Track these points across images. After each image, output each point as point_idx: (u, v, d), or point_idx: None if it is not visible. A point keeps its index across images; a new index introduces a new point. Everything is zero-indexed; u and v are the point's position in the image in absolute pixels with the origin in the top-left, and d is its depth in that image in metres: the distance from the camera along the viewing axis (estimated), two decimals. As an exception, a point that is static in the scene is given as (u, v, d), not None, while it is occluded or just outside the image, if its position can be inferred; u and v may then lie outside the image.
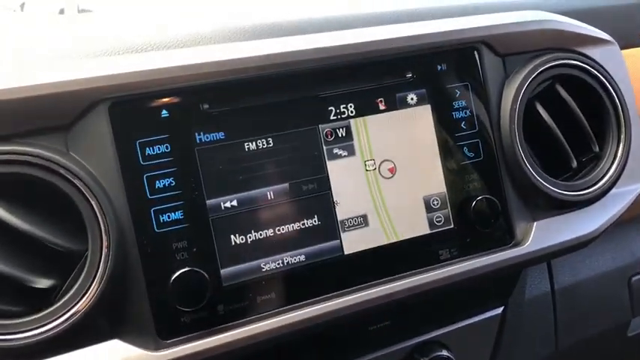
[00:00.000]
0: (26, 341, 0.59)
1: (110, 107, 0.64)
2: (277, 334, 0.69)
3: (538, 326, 0.95)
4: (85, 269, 0.62)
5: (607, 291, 1.00)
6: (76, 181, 0.62)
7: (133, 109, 0.65)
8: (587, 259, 0.99)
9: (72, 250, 0.63)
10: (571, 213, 0.83)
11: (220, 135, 0.68)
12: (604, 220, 0.84)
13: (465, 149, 0.78)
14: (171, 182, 0.66)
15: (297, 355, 0.78)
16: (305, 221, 0.71)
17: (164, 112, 0.66)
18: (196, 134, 0.67)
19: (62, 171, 0.61)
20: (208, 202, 0.67)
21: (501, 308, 0.91)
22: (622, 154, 0.84)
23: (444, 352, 0.85)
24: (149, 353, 0.63)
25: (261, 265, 0.69)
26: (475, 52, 0.79)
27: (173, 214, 0.66)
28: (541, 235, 0.80)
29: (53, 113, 0.62)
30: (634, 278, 1.05)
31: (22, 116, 0.61)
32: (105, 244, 0.62)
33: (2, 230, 0.60)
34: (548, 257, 0.83)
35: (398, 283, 0.73)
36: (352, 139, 0.73)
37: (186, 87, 0.66)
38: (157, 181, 0.65)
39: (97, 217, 0.62)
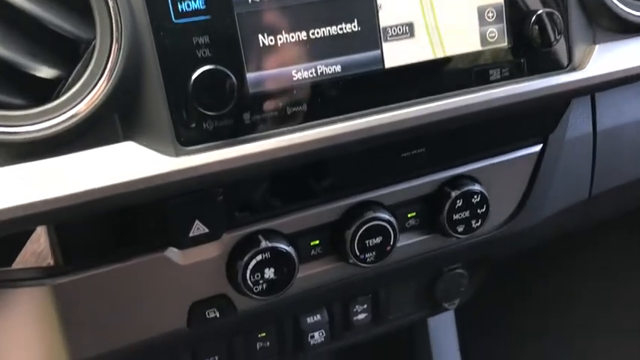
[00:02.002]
0: (30, 135, 0.53)
1: None
2: (306, 149, 0.62)
3: (575, 169, 0.89)
4: (93, 60, 0.54)
5: (651, 136, 0.94)
6: (79, -49, 0.52)
7: None
8: (634, 100, 0.91)
9: (79, 37, 0.54)
10: (636, 38, 0.74)
11: None
12: (671, 50, 0.76)
13: (530, -48, 0.67)
14: (190, -37, 0.56)
15: (323, 178, 0.73)
16: (343, 26, 0.62)
17: None
18: None
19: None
20: (233, -8, 0.58)
21: (540, 146, 0.85)
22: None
23: (476, 187, 0.79)
24: (168, 158, 0.57)
25: (292, 73, 0.61)
26: None
27: (193, 2, 0.56)
28: (601, 60, 0.72)
29: None
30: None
31: None
32: (115, 30, 0.53)
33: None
34: (605, 86, 0.75)
35: (441, 103, 0.66)
36: None
37: None
38: (175, -39, 0.55)
39: (105, -3, 0.53)
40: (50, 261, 0.61)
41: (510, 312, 1.65)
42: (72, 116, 0.54)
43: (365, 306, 0.89)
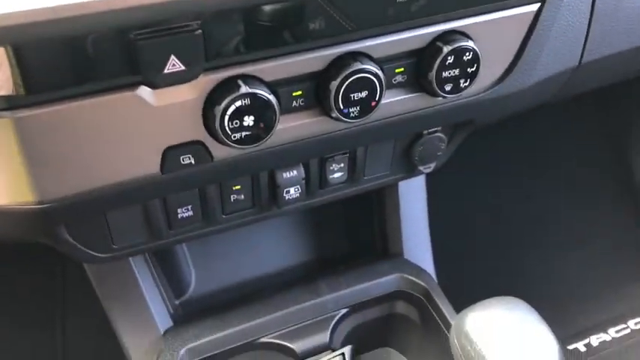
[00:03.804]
0: None
1: None
2: None
3: (569, 33, 0.85)
4: None
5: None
6: None
7: None
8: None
9: None
10: None
11: None
12: None
13: None
14: None
15: (311, 21, 0.66)
16: None
17: None
18: None
19: None
20: None
21: (537, 5, 0.80)
22: None
23: (469, 44, 0.75)
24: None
25: None
26: None
27: None
28: None
29: None
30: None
31: None
32: None
33: None
34: None
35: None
36: None
37: None
38: None
39: None
40: (11, 89, 0.56)
41: (478, 180, 1.70)
42: None
43: (341, 165, 0.88)
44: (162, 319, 1.01)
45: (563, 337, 1.47)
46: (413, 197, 1.17)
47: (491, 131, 1.13)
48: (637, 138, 1.69)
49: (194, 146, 0.69)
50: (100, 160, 0.65)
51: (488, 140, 1.47)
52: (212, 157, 0.70)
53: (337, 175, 0.88)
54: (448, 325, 1.01)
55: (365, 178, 0.92)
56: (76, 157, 0.64)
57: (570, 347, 1.48)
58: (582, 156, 1.79)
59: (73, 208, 0.68)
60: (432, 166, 0.96)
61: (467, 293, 1.07)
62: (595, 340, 1.49)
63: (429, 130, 0.91)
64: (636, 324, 1.52)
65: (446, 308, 1.03)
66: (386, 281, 1.09)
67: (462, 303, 1.04)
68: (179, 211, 0.80)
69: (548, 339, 0.59)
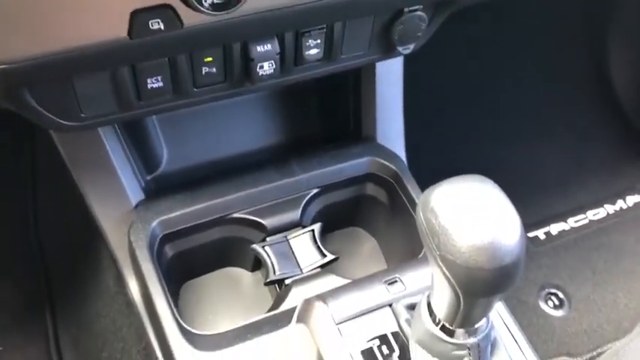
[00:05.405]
0: None
1: None
2: None
3: None
4: None
5: None
6: None
7: None
8: None
9: None
10: None
11: None
12: None
13: None
14: None
15: None
16: None
17: None
18: None
19: None
20: None
21: None
22: None
23: None
24: None
25: None
26: None
27: None
28: None
29: None
30: None
31: None
32: None
33: None
34: None
35: None
36: None
37: None
38: None
39: None
40: None
41: (452, 68, 1.69)
42: None
43: (318, 41, 0.85)
44: (134, 192, 1.01)
45: (524, 225, 1.53)
46: (389, 81, 1.15)
47: (468, 16, 1.10)
48: (616, 28, 1.67)
49: (163, 10, 0.66)
50: (63, 21, 0.62)
51: (465, 26, 1.44)
52: (182, 23, 0.67)
53: (313, 51, 0.86)
54: (415, 207, 1.03)
55: (342, 56, 0.90)
56: (37, 16, 0.61)
57: (530, 235, 1.54)
58: (560, 47, 1.77)
59: (37, 70, 0.65)
60: (411, 47, 0.93)
61: (435, 179, 1.10)
62: (554, 228, 1.56)
63: (410, 8, 0.87)
64: (595, 215, 1.59)
65: (414, 190, 1.05)
66: (358, 164, 1.10)
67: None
68: (149, 81, 0.77)
69: (512, 214, 0.61)
